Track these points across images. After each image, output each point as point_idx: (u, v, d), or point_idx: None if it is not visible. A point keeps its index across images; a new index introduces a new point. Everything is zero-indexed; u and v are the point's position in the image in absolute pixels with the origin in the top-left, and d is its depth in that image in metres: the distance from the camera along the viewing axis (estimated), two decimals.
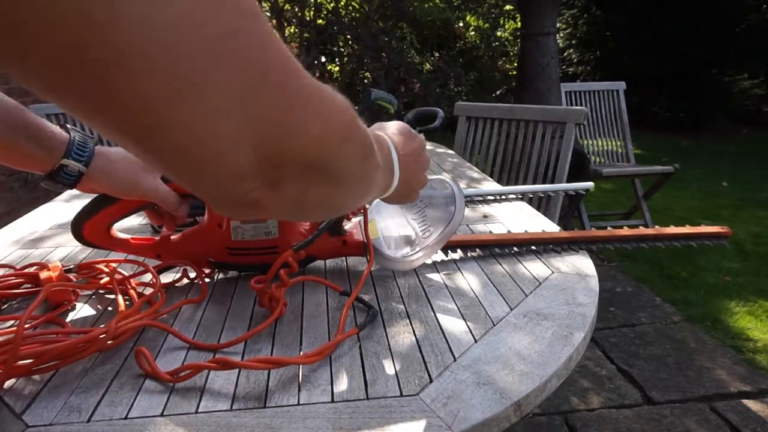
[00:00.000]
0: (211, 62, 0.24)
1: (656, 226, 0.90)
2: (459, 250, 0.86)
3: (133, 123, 0.24)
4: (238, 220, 0.72)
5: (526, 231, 0.88)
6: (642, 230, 0.87)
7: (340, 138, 0.33)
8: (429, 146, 1.83)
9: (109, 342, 0.58)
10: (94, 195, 0.71)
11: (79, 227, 0.72)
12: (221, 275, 0.79)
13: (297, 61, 0.29)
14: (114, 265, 0.77)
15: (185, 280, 0.76)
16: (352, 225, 0.80)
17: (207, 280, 0.76)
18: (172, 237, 0.76)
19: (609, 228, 0.88)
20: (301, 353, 0.58)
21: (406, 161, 0.53)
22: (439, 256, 0.85)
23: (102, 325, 0.62)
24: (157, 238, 0.77)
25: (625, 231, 0.87)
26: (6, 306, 0.71)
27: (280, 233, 0.73)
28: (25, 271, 0.77)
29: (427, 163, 0.61)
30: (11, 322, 0.66)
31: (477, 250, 0.86)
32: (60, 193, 0.70)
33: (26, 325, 0.64)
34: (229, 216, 0.53)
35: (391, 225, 0.81)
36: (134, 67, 0.22)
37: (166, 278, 0.78)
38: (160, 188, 0.69)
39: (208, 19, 0.23)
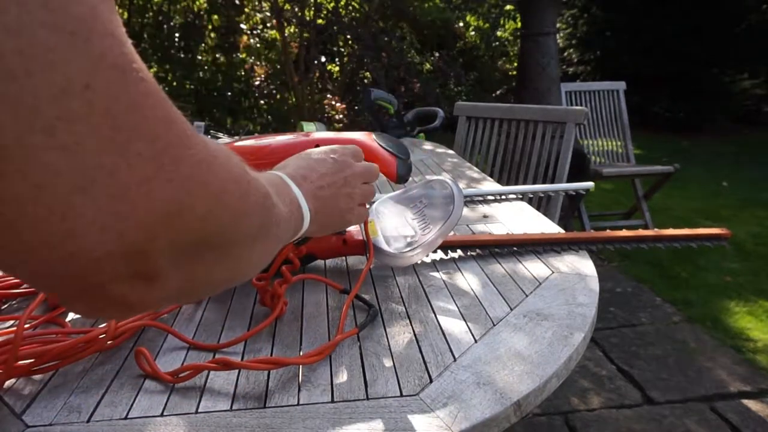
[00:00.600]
0: (61, 119, 0.20)
1: (655, 229, 0.90)
2: (459, 250, 0.86)
3: None
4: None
5: (525, 233, 0.88)
6: (641, 232, 0.87)
7: (232, 214, 0.29)
8: (429, 146, 1.83)
9: (108, 342, 0.58)
10: None
11: None
12: None
13: (184, 123, 0.25)
14: None
15: None
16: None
17: None
18: None
19: (608, 230, 0.88)
20: (301, 353, 0.58)
21: (319, 192, 0.50)
22: (439, 255, 0.85)
23: (102, 325, 0.62)
24: None
25: (625, 232, 0.87)
26: (6, 306, 0.71)
27: None
28: None
29: (358, 183, 0.57)
30: (11, 322, 0.66)
31: (477, 250, 0.86)
32: None
33: (26, 325, 0.64)
34: (92, 317, 0.48)
35: (391, 224, 0.82)
36: None
37: None
38: None
39: (58, 64, 0.20)
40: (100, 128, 0.21)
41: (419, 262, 0.85)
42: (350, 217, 0.58)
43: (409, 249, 0.75)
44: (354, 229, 0.78)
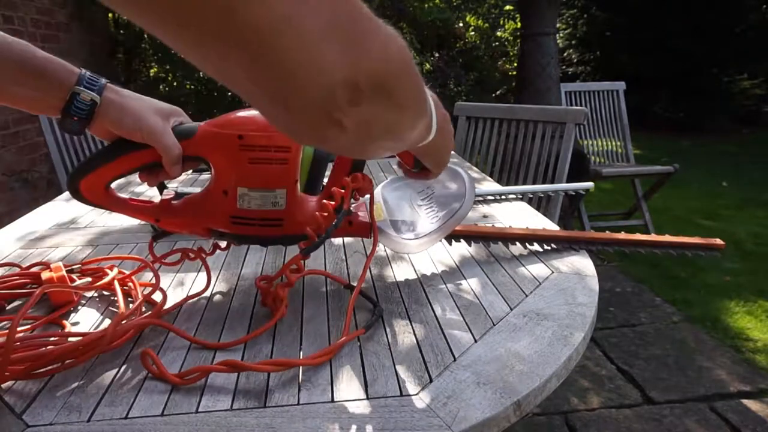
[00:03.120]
0: None
1: (653, 234, 0.90)
2: (462, 240, 0.86)
3: (246, 49, 0.27)
4: (313, 147, 0.70)
5: (527, 227, 0.88)
6: (639, 236, 0.88)
7: (401, 60, 0.35)
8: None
9: (110, 344, 0.58)
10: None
11: (76, 182, 0.67)
12: (221, 276, 0.80)
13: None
14: (115, 264, 0.77)
15: (190, 278, 0.76)
16: (357, 206, 0.78)
17: (215, 248, 0.75)
18: (173, 202, 0.71)
19: (607, 231, 0.88)
20: (301, 352, 0.58)
21: (441, 119, 0.53)
22: (440, 253, 0.85)
23: (102, 326, 0.62)
24: (157, 201, 0.72)
25: (623, 235, 0.87)
26: (11, 306, 0.71)
27: (287, 206, 0.69)
28: (30, 270, 0.77)
29: (452, 133, 0.60)
30: (8, 322, 0.66)
31: (480, 242, 0.86)
32: (76, 133, 0.67)
33: (26, 326, 0.64)
34: (308, 143, 0.52)
35: (398, 209, 0.80)
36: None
37: (167, 278, 0.78)
38: (167, 135, 0.65)
39: None
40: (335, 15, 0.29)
41: (423, 252, 0.85)
42: (448, 154, 0.60)
43: (414, 237, 0.74)
44: (360, 211, 0.77)
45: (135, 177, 0.71)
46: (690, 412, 1.65)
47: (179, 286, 0.76)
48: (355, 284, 0.74)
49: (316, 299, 0.71)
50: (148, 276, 0.78)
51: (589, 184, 1.25)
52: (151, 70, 5.40)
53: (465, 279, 0.77)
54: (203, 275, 0.78)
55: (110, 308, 0.70)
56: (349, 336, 0.59)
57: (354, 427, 0.46)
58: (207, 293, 0.73)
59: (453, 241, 0.87)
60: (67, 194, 1.29)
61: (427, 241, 0.75)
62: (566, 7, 7.10)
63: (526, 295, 0.71)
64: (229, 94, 5.58)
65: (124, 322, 0.60)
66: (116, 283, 0.72)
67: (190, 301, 0.71)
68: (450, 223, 0.75)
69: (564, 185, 1.37)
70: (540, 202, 1.65)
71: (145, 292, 0.70)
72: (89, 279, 0.75)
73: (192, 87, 5.38)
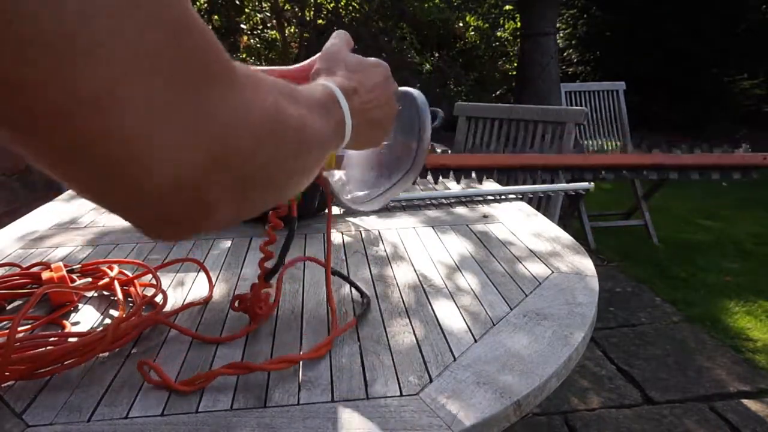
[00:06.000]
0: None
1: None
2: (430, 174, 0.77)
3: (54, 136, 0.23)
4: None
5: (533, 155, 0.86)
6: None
7: (271, 150, 0.31)
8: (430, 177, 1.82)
9: (111, 345, 0.58)
10: None
11: None
12: (221, 276, 0.80)
13: (227, 69, 0.28)
14: (116, 265, 0.77)
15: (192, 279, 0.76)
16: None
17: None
18: None
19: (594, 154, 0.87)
20: (302, 348, 0.58)
21: (366, 104, 0.48)
22: (440, 253, 0.85)
23: (102, 326, 0.62)
24: None
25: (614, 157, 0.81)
26: (10, 306, 0.71)
27: None
28: (30, 270, 0.77)
29: (394, 89, 0.54)
30: (8, 323, 0.66)
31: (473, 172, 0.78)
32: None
33: (26, 326, 0.64)
34: (164, 239, 0.50)
35: (356, 161, 0.68)
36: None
37: (167, 278, 0.78)
38: None
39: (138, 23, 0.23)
40: (159, 81, 0.24)
41: (420, 248, 0.85)
42: (389, 123, 0.54)
43: (365, 196, 0.65)
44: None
45: None
46: (690, 412, 1.65)
47: (179, 286, 0.76)
48: (345, 274, 0.75)
49: (316, 293, 0.71)
50: (148, 276, 0.78)
51: (589, 185, 1.25)
52: None
53: (465, 279, 0.77)
54: (203, 275, 0.78)
55: (110, 308, 0.70)
56: (338, 330, 0.60)
57: (354, 427, 0.46)
58: (210, 300, 0.73)
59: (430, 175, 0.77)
60: (67, 194, 1.29)
61: (378, 201, 0.66)
62: (566, 7, 7.10)
63: (526, 295, 0.71)
64: None
65: (124, 325, 0.60)
66: (116, 283, 0.72)
67: (190, 301, 0.71)
68: (402, 181, 0.64)
69: (564, 185, 1.37)
70: (540, 202, 1.65)
71: (145, 293, 0.70)
72: (89, 279, 0.75)
73: None
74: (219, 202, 0.29)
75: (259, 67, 0.51)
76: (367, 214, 0.96)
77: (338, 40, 0.54)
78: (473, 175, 0.78)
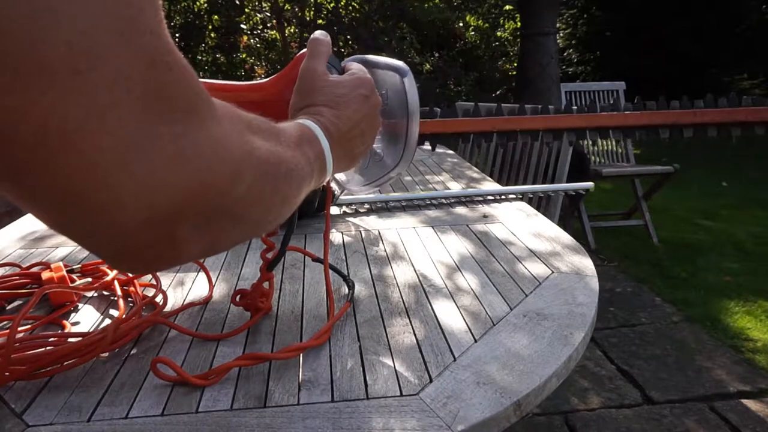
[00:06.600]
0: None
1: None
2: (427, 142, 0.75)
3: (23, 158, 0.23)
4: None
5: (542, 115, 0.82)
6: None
7: (245, 188, 0.31)
8: (428, 146, 1.82)
9: (111, 345, 0.58)
10: None
11: None
12: (221, 276, 0.80)
13: (203, 106, 0.28)
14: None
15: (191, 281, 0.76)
16: None
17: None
18: None
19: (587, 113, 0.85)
20: (303, 338, 0.58)
21: (347, 136, 0.47)
22: (440, 253, 0.85)
23: (102, 326, 0.62)
24: None
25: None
26: (10, 306, 0.71)
27: None
28: (30, 271, 0.77)
29: (376, 102, 0.52)
30: (8, 323, 0.66)
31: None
32: None
33: (26, 327, 0.64)
34: (130, 272, 0.49)
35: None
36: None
37: (167, 278, 0.78)
38: None
39: (111, 60, 0.23)
40: (136, 114, 0.24)
41: (417, 244, 0.85)
42: (365, 153, 0.54)
43: (365, 180, 0.65)
44: None
45: None
46: (690, 412, 1.65)
47: (179, 286, 0.76)
48: (334, 263, 0.77)
49: (315, 293, 0.71)
50: (148, 276, 0.78)
51: (589, 184, 1.25)
52: None
53: (465, 279, 0.77)
54: (203, 275, 0.78)
55: (110, 308, 0.70)
56: (334, 317, 0.62)
57: (354, 427, 0.46)
58: (209, 300, 0.73)
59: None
60: None
61: (368, 188, 0.67)
62: (566, 7, 7.10)
63: (526, 295, 0.71)
64: None
65: (124, 325, 0.60)
66: (116, 283, 0.72)
67: (190, 301, 0.71)
68: (380, 181, 0.66)
69: (564, 185, 1.37)
70: (540, 202, 1.65)
71: (146, 293, 0.70)
72: (89, 279, 0.75)
73: None
74: (188, 238, 0.29)
75: (206, 80, 0.51)
76: (371, 207, 0.97)
77: (314, 59, 0.51)
78: (471, 139, 0.77)
